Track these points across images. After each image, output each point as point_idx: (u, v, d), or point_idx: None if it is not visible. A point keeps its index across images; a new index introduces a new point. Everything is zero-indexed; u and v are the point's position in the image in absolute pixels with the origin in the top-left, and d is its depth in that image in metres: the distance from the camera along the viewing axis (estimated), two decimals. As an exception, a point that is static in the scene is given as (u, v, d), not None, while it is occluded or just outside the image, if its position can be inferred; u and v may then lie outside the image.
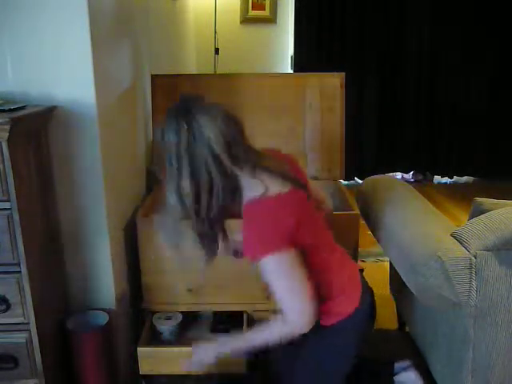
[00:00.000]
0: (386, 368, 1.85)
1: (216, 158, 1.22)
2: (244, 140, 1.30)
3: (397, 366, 1.88)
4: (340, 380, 1.48)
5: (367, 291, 1.48)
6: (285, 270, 1.24)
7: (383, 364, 1.90)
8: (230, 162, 1.23)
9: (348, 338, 1.44)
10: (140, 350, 1.90)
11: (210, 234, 1.35)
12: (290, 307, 1.25)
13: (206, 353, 1.47)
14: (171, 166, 1.23)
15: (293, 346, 1.42)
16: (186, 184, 1.22)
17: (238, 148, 1.26)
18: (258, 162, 1.30)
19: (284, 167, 1.36)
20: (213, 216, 1.28)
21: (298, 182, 1.34)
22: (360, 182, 4.63)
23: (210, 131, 1.21)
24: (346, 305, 1.41)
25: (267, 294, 1.83)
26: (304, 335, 1.32)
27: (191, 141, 1.21)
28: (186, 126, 1.21)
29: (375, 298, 1.53)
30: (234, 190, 1.28)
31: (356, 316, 1.41)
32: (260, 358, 1.63)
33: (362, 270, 1.60)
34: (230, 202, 1.30)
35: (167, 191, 1.26)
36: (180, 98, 1.28)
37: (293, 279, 1.24)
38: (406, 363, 1.86)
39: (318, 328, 1.34)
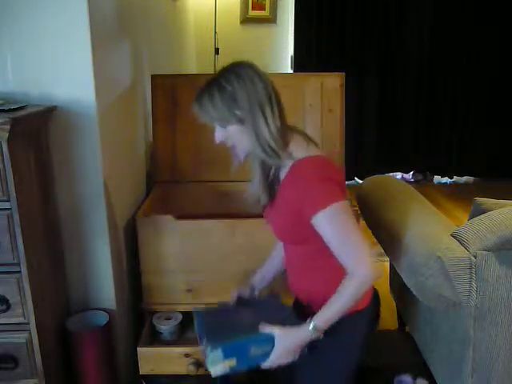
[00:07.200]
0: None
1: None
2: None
3: (396, 379, 1.89)
4: (350, 376, 1.43)
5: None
6: (345, 219, 1.25)
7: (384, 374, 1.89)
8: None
9: (363, 329, 1.39)
10: (140, 350, 1.90)
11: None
12: (353, 256, 1.23)
13: (287, 349, 1.27)
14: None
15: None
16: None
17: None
18: (293, 128, 1.36)
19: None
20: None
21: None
22: (360, 181, 4.63)
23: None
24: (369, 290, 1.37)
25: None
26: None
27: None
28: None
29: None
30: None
31: (372, 306, 1.39)
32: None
33: None
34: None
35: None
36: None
37: (353, 227, 1.25)
38: (406, 377, 1.87)
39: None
